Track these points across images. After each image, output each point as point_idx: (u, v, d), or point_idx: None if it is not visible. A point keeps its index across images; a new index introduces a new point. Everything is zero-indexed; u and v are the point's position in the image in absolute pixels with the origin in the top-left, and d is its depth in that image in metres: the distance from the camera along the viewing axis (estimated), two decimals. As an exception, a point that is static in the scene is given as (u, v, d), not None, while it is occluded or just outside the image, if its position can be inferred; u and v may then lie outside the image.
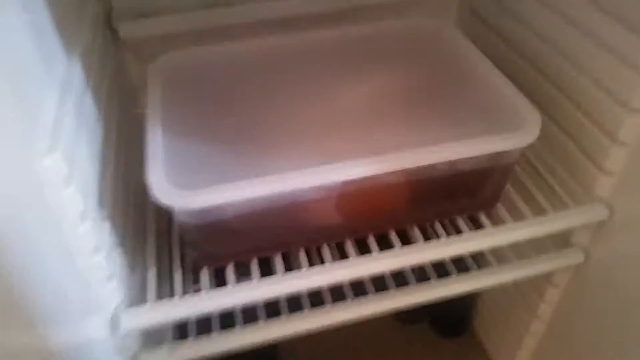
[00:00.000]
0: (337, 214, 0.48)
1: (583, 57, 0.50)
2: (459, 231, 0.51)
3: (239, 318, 0.50)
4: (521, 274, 0.55)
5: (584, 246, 0.56)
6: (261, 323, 0.49)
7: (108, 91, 0.50)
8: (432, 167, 0.45)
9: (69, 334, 0.37)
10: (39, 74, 0.36)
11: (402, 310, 0.52)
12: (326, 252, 0.50)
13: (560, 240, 0.56)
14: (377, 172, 0.43)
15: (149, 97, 0.50)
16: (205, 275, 0.48)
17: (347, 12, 0.63)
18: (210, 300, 0.45)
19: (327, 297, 0.51)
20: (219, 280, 0.48)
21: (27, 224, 0.31)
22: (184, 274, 0.49)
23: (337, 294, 0.51)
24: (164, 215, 0.50)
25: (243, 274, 0.48)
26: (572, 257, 0.56)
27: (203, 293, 0.46)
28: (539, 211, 0.52)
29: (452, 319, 0.86)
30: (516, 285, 0.67)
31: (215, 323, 0.50)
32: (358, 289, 0.52)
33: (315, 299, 0.51)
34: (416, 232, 0.51)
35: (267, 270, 0.48)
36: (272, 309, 0.50)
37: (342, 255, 0.50)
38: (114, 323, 0.43)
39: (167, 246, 0.52)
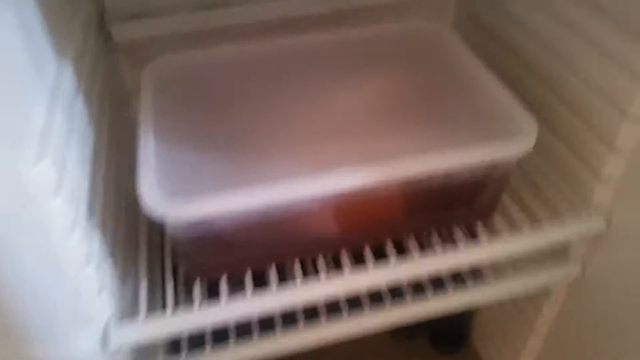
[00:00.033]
0: (331, 222, 0.47)
1: (581, 62, 0.50)
2: (454, 241, 0.51)
3: (232, 330, 0.49)
4: (518, 287, 0.54)
5: (581, 258, 0.55)
6: (255, 339, 0.49)
7: (100, 95, 0.49)
8: (426, 176, 0.44)
9: (58, 349, 0.35)
10: (28, 77, 0.35)
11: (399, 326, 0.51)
12: (321, 262, 0.49)
13: (557, 251, 0.56)
14: (372, 180, 0.42)
15: (142, 103, 0.48)
16: (197, 287, 0.47)
17: (345, 14, 0.63)
18: (204, 316, 0.44)
19: (322, 310, 0.51)
20: (212, 292, 0.47)
21: (13, 234, 0.30)
22: (176, 285, 0.48)
23: (333, 308, 0.51)
24: (156, 225, 0.49)
25: (236, 284, 0.47)
26: (569, 270, 0.56)
27: (196, 308, 0.45)
28: (535, 221, 0.51)
29: (450, 334, 0.85)
30: (513, 299, 0.66)
31: (208, 336, 0.49)
32: (353, 301, 0.51)
33: (310, 312, 0.50)
34: (412, 242, 0.51)
35: (260, 280, 0.47)
36: (266, 322, 0.49)
37: (337, 265, 0.49)
38: (104, 338, 0.42)
39: (160, 257, 0.50)
